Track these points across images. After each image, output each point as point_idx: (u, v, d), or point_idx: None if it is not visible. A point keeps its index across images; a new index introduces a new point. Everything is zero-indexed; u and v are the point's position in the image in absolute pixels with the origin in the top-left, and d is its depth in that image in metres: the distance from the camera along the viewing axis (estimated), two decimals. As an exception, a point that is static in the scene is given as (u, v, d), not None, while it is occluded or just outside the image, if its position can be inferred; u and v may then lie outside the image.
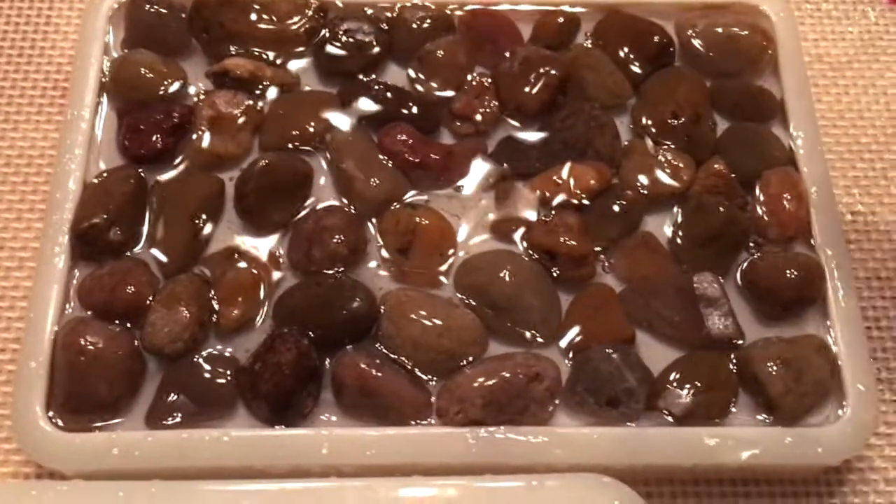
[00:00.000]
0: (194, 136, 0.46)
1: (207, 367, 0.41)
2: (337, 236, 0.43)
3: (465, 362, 0.41)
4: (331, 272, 0.43)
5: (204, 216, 0.44)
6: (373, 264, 0.44)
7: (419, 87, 0.48)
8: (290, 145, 0.46)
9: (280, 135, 0.46)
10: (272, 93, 0.47)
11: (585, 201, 0.45)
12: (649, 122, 0.47)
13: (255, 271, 0.43)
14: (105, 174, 0.45)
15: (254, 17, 0.48)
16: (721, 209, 0.44)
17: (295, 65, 0.49)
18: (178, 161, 0.46)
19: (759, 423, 0.41)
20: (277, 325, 0.42)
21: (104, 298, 0.41)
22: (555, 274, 0.44)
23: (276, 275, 0.43)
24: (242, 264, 0.43)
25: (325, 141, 0.46)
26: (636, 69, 0.49)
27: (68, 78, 0.50)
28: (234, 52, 0.48)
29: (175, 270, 0.43)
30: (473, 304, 0.43)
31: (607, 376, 0.40)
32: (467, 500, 0.38)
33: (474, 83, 0.48)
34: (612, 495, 0.38)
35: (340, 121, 0.47)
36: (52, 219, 0.43)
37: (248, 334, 0.42)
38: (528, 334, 0.42)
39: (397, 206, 0.45)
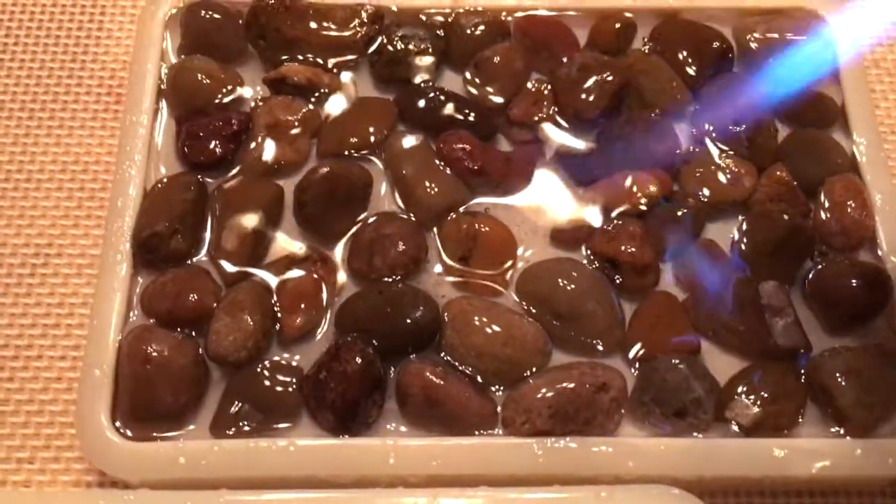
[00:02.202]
0: (252, 144, 0.46)
1: (272, 375, 0.41)
2: (397, 244, 0.43)
3: (529, 372, 0.41)
4: (391, 280, 0.43)
5: (265, 223, 0.44)
6: (433, 273, 0.44)
7: (475, 94, 0.48)
8: (347, 152, 0.46)
9: (338, 142, 0.46)
10: (334, 100, 0.47)
11: (644, 208, 0.45)
12: (710, 129, 0.47)
13: (316, 279, 0.43)
14: (165, 181, 0.44)
15: (311, 23, 0.48)
16: (785, 217, 0.44)
17: (351, 72, 0.49)
18: (236, 168, 0.46)
19: (828, 434, 0.40)
20: (340, 334, 0.42)
21: (167, 306, 0.41)
22: (617, 282, 0.43)
23: (338, 283, 0.43)
24: (303, 272, 0.43)
25: (384, 148, 0.46)
26: (694, 75, 0.48)
27: (123, 84, 0.50)
28: (290, 59, 0.48)
29: (236, 279, 0.43)
30: (536, 312, 0.42)
31: (674, 387, 0.40)
32: (537, 511, 0.38)
33: (532, 89, 0.48)
34: (682, 508, 0.37)
35: (398, 128, 0.47)
36: (114, 226, 0.43)
37: (310, 343, 0.42)
38: (592, 343, 0.42)
39: (457, 214, 0.45)
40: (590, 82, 0.47)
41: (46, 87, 0.50)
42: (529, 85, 0.48)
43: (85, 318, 0.45)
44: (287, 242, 0.44)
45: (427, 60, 0.48)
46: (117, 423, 0.39)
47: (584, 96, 0.47)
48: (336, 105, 0.47)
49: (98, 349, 0.40)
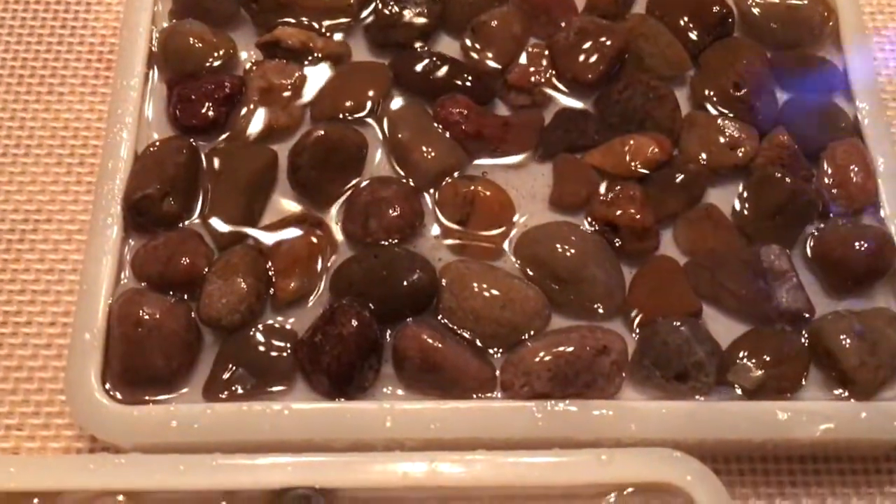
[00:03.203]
0: (245, 108, 0.45)
1: (265, 339, 0.40)
2: (394, 207, 0.42)
3: (527, 335, 0.40)
4: (387, 244, 0.42)
5: (257, 187, 0.43)
6: (430, 237, 0.43)
7: (473, 58, 0.47)
8: (341, 116, 0.45)
9: (332, 106, 0.45)
10: (327, 64, 0.46)
11: (645, 172, 0.44)
12: (710, 93, 0.46)
13: (310, 243, 0.42)
14: (157, 144, 0.44)
15: (305, -14, 0.47)
16: (788, 181, 0.43)
17: (345, 35, 0.48)
18: (229, 132, 0.45)
19: (832, 397, 0.40)
20: (335, 298, 0.41)
21: (159, 270, 0.41)
22: (617, 246, 0.42)
23: (332, 247, 0.42)
24: (297, 236, 0.42)
25: (379, 112, 0.45)
26: (695, 39, 0.47)
27: (113, 50, 0.50)
28: (283, 23, 0.47)
29: (229, 242, 0.42)
30: (535, 276, 0.42)
31: (676, 350, 0.39)
32: (537, 474, 0.37)
33: (530, 53, 0.47)
34: (683, 470, 0.37)
35: (393, 92, 0.46)
36: (104, 189, 0.42)
37: (303, 307, 0.41)
38: (592, 307, 0.41)
39: (454, 178, 0.44)
40: (588, 46, 0.46)
41: (36, 54, 0.50)
42: (527, 49, 0.47)
43: (75, 284, 0.44)
44: (281, 207, 0.43)
45: (423, 24, 0.47)
46: (108, 387, 0.39)
47: (582, 60, 0.46)
48: (330, 69, 0.46)
49: (88, 312, 0.40)
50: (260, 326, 0.40)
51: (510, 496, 0.37)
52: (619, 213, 0.42)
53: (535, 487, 0.37)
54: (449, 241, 0.43)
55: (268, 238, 0.42)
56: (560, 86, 0.47)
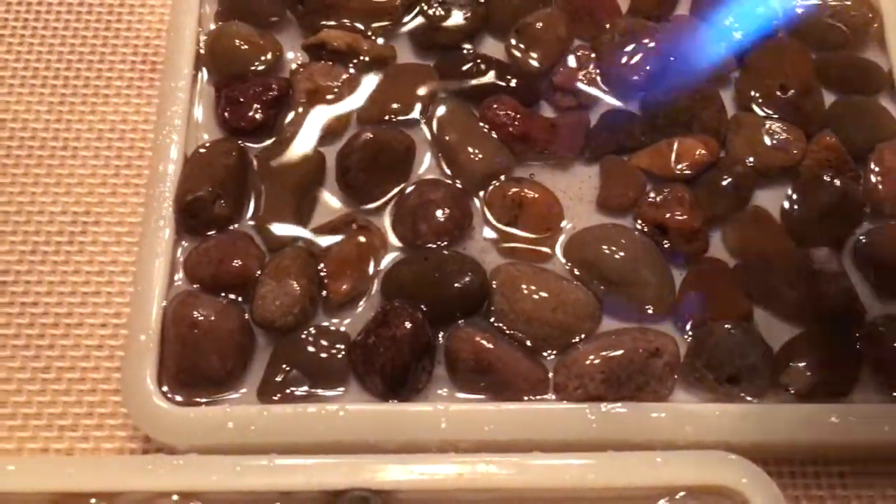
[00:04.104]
0: (292, 110, 0.45)
1: (319, 341, 0.40)
2: (443, 210, 0.42)
3: (578, 338, 0.41)
4: (437, 246, 0.42)
5: (306, 189, 0.43)
6: (478, 239, 0.43)
7: (517, 60, 0.47)
8: (388, 118, 0.45)
9: (379, 108, 0.46)
10: (373, 66, 0.46)
11: (692, 174, 0.44)
12: (756, 95, 0.46)
13: (360, 245, 0.42)
14: (206, 147, 0.44)
15: (350, -12, 0.47)
16: (836, 183, 0.43)
17: (390, 38, 0.48)
18: (276, 134, 0.45)
19: (884, 399, 0.40)
20: (386, 300, 0.41)
21: (211, 272, 0.41)
22: (665, 248, 0.42)
23: (382, 249, 0.42)
24: (347, 239, 0.42)
25: (426, 114, 0.45)
26: (739, 39, 0.47)
27: (157, 52, 0.50)
28: (328, 25, 0.47)
29: (279, 244, 0.42)
30: (584, 278, 0.42)
31: (728, 352, 0.39)
32: (592, 476, 0.37)
33: (575, 55, 0.47)
34: (739, 473, 0.37)
35: (440, 94, 0.46)
36: (155, 191, 0.42)
37: (355, 309, 0.41)
38: (642, 309, 0.41)
39: (502, 180, 0.44)
40: (633, 47, 0.46)
41: (81, 56, 0.50)
42: (572, 51, 0.47)
43: (125, 286, 0.44)
44: (329, 209, 0.44)
45: (467, 26, 0.47)
46: (164, 389, 0.39)
47: (627, 61, 0.46)
48: (376, 71, 0.47)
49: (142, 314, 0.40)
50: (313, 328, 0.40)
51: (566, 499, 0.37)
52: (668, 215, 0.42)
53: (591, 490, 0.37)
54: (498, 245, 0.43)
55: (318, 240, 0.42)
56: (605, 87, 0.47)
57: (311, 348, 0.40)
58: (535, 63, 0.47)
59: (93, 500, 0.37)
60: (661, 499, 0.37)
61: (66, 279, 0.44)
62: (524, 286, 0.41)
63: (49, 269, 0.45)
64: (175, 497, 0.37)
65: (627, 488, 0.37)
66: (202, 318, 0.39)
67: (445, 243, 0.42)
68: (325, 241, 0.42)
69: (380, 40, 0.48)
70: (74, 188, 0.47)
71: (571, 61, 0.47)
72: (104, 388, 0.42)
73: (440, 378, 0.40)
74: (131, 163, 0.47)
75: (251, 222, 0.43)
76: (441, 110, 0.45)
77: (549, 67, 0.47)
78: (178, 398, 0.39)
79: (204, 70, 0.46)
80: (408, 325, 0.39)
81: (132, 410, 0.39)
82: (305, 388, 0.39)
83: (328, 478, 0.37)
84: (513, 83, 0.46)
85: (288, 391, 0.39)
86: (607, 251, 0.42)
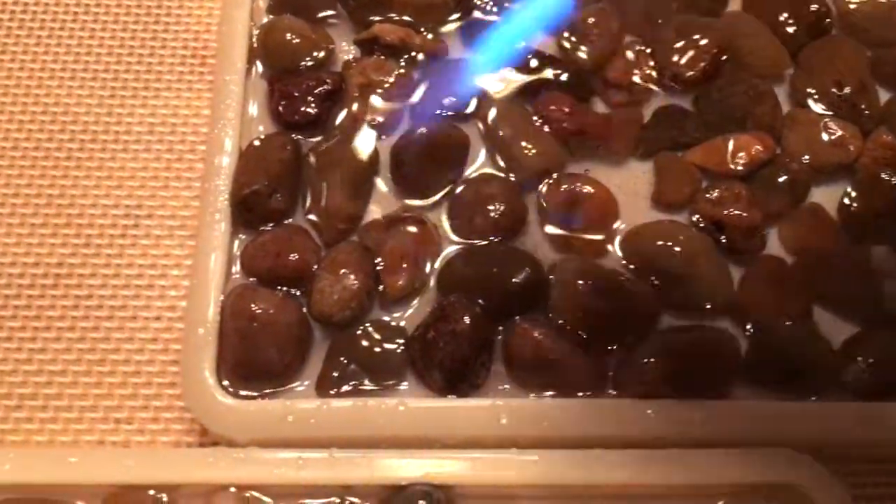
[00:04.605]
0: (345, 105, 0.45)
1: (376, 335, 0.40)
2: (498, 205, 0.42)
3: (637, 333, 0.40)
4: (493, 241, 0.42)
5: (360, 183, 0.43)
6: (534, 234, 0.43)
7: (570, 56, 0.47)
8: (442, 113, 0.45)
9: (432, 103, 0.45)
10: (426, 61, 0.46)
11: (747, 171, 0.44)
12: (812, 92, 0.46)
13: (416, 240, 0.42)
14: (260, 141, 0.44)
15: (403, -17, 0.47)
16: (894, 182, 0.43)
17: (441, 32, 0.48)
18: (330, 129, 0.45)
19: (947, 399, 0.39)
20: (442, 295, 0.41)
21: (269, 265, 0.41)
22: (723, 245, 0.42)
23: (438, 244, 0.42)
24: (403, 233, 0.42)
25: (479, 109, 0.45)
26: (792, 37, 0.47)
27: (207, 46, 0.50)
28: (379, 19, 0.47)
29: (334, 239, 0.42)
30: (642, 274, 0.42)
31: (788, 350, 0.39)
32: (656, 473, 0.37)
33: (629, 51, 0.47)
34: (804, 471, 0.37)
35: (493, 89, 0.46)
36: (210, 185, 0.42)
37: (411, 304, 0.41)
38: (701, 306, 0.41)
39: (557, 176, 0.44)
40: (687, 44, 0.46)
41: (131, 49, 0.50)
42: (625, 46, 0.47)
43: (178, 279, 0.44)
44: (383, 203, 0.44)
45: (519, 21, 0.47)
46: (224, 382, 0.39)
47: (681, 58, 0.46)
48: (428, 66, 0.46)
49: (200, 308, 0.40)
50: (370, 323, 0.40)
51: (628, 496, 0.37)
52: (726, 211, 0.42)
53: (654, 487, 0.37)
54: (554, 240, 0.43)
55: (373, 235, 0.42)
56: (659, 83, 0.46)
57: (368, 343, 0.40)
58: (586, 58, 0.47)
59: (150, 492, 0.37)
60: (724, 497, 0.37)
61: (119, 272, 0.44)
62: (582, 281, 0.41)
63: (103, 263, 0.45)
64: (233, 489, 0.37)
65: (691, 486, 0.37)
66: (261, 311, 0.39)
67: (501, 238, 0.42)
68: (381, 236, 0.42)
69: (430, 35, 0.47)
70: (126, 182, 0.47)
71: (625, 57, 0.47)
72: (159, 381, 0.42)
73: (498, 374, 0.40)
74: (182, 156, 0.47)
75: (307, 217, 0.43)
76: (494, 105, 0.45)
77: (602, 63, 0.47)
78: (236, 391, 0.39)
79: (258, 63, 0.46)
80: (467, 319, 0.39)
81: (191, 404, 0.39)
82: (363, 382, 0.39)
83: (392, 472, 0.37)
84: (565, 78, 0.46)
85: (346, 385, 0.39)
86: (665, 247, 0.42)
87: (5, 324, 0.43)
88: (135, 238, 0.45)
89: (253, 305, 0.39)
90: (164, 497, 0.36)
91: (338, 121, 0.45)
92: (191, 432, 0.41)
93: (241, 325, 0.39)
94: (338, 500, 0.36)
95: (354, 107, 0.45)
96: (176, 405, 0.42)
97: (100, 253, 0.45)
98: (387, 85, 0.46)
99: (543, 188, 0.43)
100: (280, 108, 0.44)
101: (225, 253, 0.41)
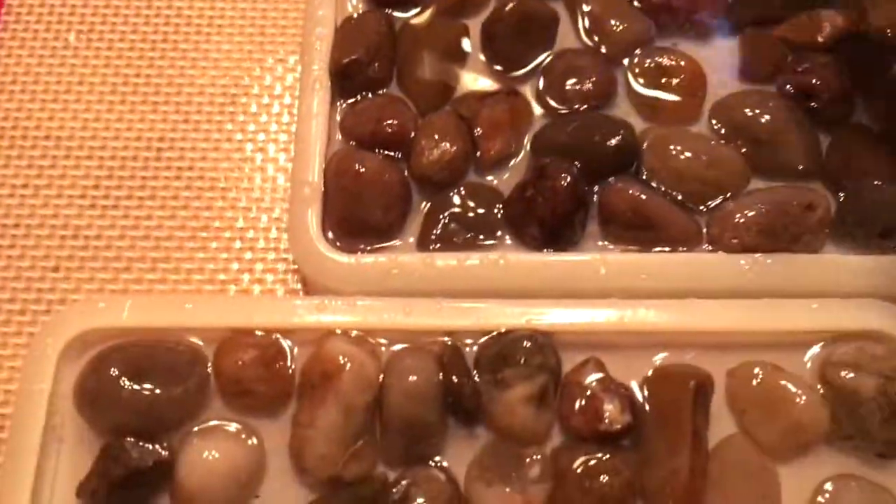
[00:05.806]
0: (437, -18, 0.46)
1: (474, 195, 0.41)
2: (590, 76, 0.43)
3: (728, 194, 0.41)
4: (583, 110, 0.43)
5: (452, 57, 0.44)
6: (623, 105, 0.44)
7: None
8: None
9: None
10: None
11: (832, 45, 0.44)
12: (897, -33, 0.46)
13: (510, 109, 0.43)
14: (357, 16, 0.45)
15: None
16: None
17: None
18: (422, 4, 0.46)
19: None
20: (537, 160, 0.42)
21: (371, 129, 0.42)
22: (812, 113, 0.43)
23: (531, 113, 0.43)
24: (496, 102, 0.43)
25: (567, -14, 0.46)
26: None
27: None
28: None
29: (429, 108, 0.43)
30: (731, 139, 0.43)
31: (879, 208, 0.40)
32: (752, 318, 0.38)
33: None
34: (890, 318, 0.38)
35: (581, -34, 0.46)
36: (310, 56, 0.43)
37: (505, 169, 0.42)
38: (792, 168, 0.42)
39: (646, 49, 0.45)
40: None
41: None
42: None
43: (285, 143, 0.46)
44: (475, 76, 0.45)
45: None
46: (330, 236, 0.40)
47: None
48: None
49: (305, 167, 0.41)
50: (467, 185, 0.42)
51: (723, 343, 0.38)
52: (814, 80, 0.43)
53: (747, 333, 0.38)
54: (642, 109, 0.44)
55: (469, 105, 0.43)
56: (744, -38, 0.47)
57: (466, 202, 0.41)
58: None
59: (258, 332, 0.38)
60: (815, 343, 0.38)
61: (219, 146, 0.46)
62: (673, 146, 0.42)
63: (202, 137, 0.46)
64: (338, 331, 0.38)
65: (783, 332, 0.38)
66: (364, 169, 0.40)
67: (591, 108, 0.43)
68: (476, 106, 0.43)
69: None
70: (222, 63, 0.48)
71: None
72: (262, 245, 0.44)
73: (593, 233, 0.41)
74: (274, 40, 0.49)
75: (401, 88, 0.44)
76: (584, -19, 0.46)
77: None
78: (342, 246, 0.40)
79: (349, -56, 0.47)
80: (566, 176, 0.40)
81: (299, 258, 0.40)
82: (463, 239, 0.40)
83: (495, 318, 0.38)
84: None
85: (446, 241, 0.40)
86: (755, 114, 0.42)
87: (111, 193, 0.45)
88: (232, 115, 0.47)
89: (357, 165, 0.41)
90: (280, 338, 0.38)
91: (428, -2, 0.46)
92: (296, 293, 0.43)
93: (346, 183, 0.41)
94: (448, 339, 0.37)
95: (445, -16, 0.46)
96: (279, 268, 0.43)
97: (199, 129, 0.46)
98: (476, -35, 0.46)
99: (633, 60, 0.44)
100: (374, -14, 0.46)
101: (326, 118, 0.42)
